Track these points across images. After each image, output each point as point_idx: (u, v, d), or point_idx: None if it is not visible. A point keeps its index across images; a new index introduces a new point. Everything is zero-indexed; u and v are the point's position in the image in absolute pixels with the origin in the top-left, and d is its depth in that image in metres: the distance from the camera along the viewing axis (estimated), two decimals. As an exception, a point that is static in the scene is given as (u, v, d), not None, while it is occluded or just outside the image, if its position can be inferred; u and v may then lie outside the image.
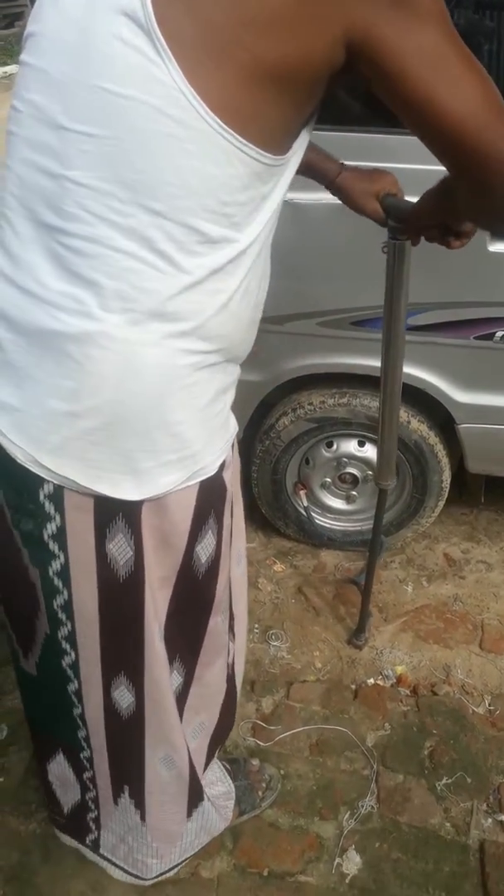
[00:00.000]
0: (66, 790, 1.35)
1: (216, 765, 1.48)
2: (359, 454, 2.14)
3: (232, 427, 1.06)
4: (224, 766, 1.54)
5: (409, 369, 1.90)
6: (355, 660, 1.98)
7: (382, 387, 1.54)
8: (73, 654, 1.10)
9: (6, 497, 1.00)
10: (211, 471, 1.01)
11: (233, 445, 1.08)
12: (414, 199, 1.17)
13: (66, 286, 0.86)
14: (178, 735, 1.21)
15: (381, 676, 1.93)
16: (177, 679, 1.21)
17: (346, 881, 1.50)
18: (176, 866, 1.42)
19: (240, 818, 1.56)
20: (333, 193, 1.34)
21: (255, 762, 1.67)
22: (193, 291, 0.87)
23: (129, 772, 1.25)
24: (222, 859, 1.53)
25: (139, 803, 1.29)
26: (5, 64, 11.43)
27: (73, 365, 0.88)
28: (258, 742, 1.76)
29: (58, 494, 0.94)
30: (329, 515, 2.31)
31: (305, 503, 2.23)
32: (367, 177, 1.30)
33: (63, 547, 0.99)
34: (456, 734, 1.77)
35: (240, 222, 0.87)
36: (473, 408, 1.95)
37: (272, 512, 2.29)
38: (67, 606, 1.05)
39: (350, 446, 2.15)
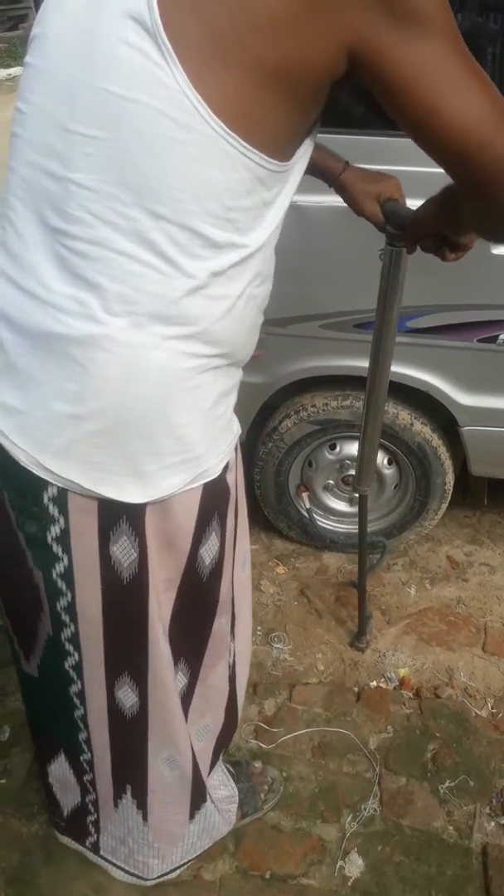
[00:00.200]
0: (66, 792, 1.35)
1: (220, 768, 1.48)
2: (362, 456, 2.14)
3: (235, 429, 1.06)
4: (228, 769, 1.53)
5: (412, 372, 1.91)
6: (358, 662, 1.98)
7: (367, 393, 1.54)
8: (76, 656, 1.10)
9: (10, 499, 1.00)
10: (214, 473, 1.01)
11: (236, 447, 1.09)
12: (416, 204, 1.17)
13: (70, 289, 0.86)
14: (182, 736, 1.21)
15: (383, 679, 1.93)
16: (181, 680, 1.21)
17: (349, 884, 1.50)
18: (177, 868, 1.42)
19: (242, 821, 1.56)
20: (336, 192, 1.33)
21: (258, 764, 1.67)
22: (197, 295, 0.87)
23: (131, 772, 1.25)
24: (224, 862, 1.53)
25: (141, 804, 1.29)
26: (9, 66, 11.46)
27: (77, 368, 0.88)
28: (261, 744, 1.75)
29: (62, 497, 0.94)
30: (332, 517, 2.31)
31: (308, 505, 2.23)
32: (370, 178, 1.30)
33: (67, 549, 0.99)
34: (459, 737, 1.77)
35: (243, 227, 0.87)
36: (476, 410, 1.95)
37: (275, 514, 2.29)
38: (71, 608, 1.05)
39: (353, 449, 2.14)
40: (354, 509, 2.28)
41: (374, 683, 1.91)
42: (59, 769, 1.32)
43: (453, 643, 2.03)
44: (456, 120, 0.76)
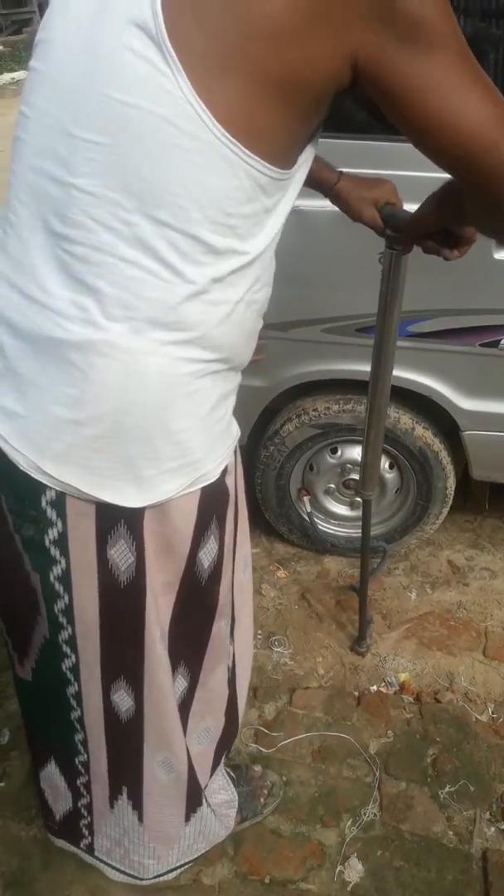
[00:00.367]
0: (58, 797, 1.35)
1: (221, 773, 1.47)
2: (363, 460, 2.14)
3: (234, 433, 1.07)
4: (228, 773, 1.53)
5: (414, 376, 1.91)
6: (358, 666, 1.98)
7: (369, 397, 1.55)
8: (73, 657, 1.10)
9: (8, 503, 1.00)
10: (213, 477, 1.01)
11: (235, 451, 1.09)
12: (414, 208, 1.17)
13: (71, 293, 0.86)
14: (177, 739, 1.21)
15: (384, 683, 1.92)
16: (181, 684, 1.21)
17: (348, 889, 1.49)
18: (174, 870, 1.41)
19: (241, 825, 1.55)
20: (332, 201, 1.34)
21: (258, 768, 1.67)
22: (197, 301, 0.87)
23: (127, 774, 1.25)
24: (224, 866, 1.52)
25: (137, 804, 1.28)
26: (13, 70, 11.51)
27: (77, 373, 0.88)
28: (260, 748, 1.75)
29: (60, 501, 0.95)
30: (333, 521, 2.31)
31: (309, 509, 2.23)
32: (365, 185, 1.30)
33: (64, 552, 0.99)
34: (459, 742, 1.76)
35: (244, 234, 0.87)
36: (478, 415, 1.95)
37: (276, 518, 2.29)
38: (68, 610, 1.05)
39: (354, 452, 2.15)
40: (355, 513, 2.28)
41: (374, 688, 1.91)
42: (50, 774, 1.32)
43: (454, 648, 2.03)
44: (461, 127, 0.77)
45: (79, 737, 1.21)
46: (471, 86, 0.77)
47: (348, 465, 2.17)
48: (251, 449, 2.16)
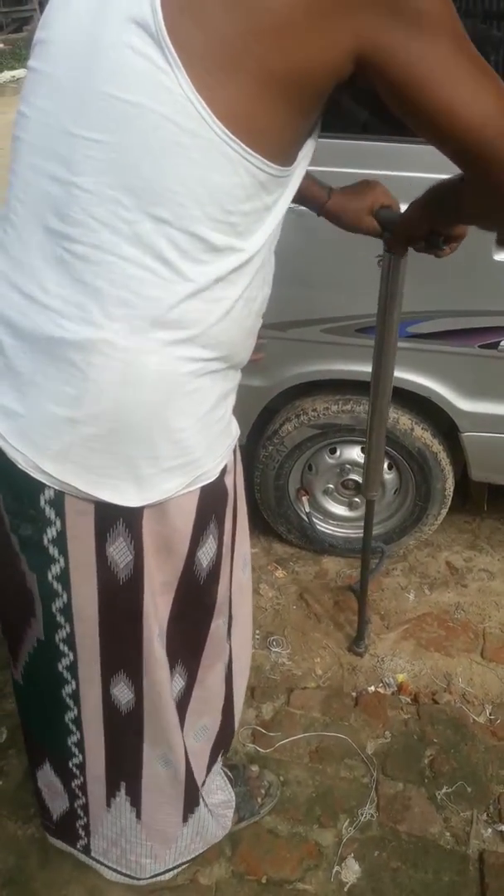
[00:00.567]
0: (55, 798, 1.35)
1: (218, 773, 1.47)
2: (362, 461, 2.14)
3: (233, 432, 1.06)
4: (226, 773, 1.53)
5: (413, 377, 1.91)
6: (356, 667, 1.98)
7: (371, 398, 1.55)
8: (70, 656, 1.10)
9: (5, 502, 1.00)
10: (212, 476, 1.01)
11: (234, 450, 1.09)
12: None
13: (70, 293, 0.86)
14: (175, 736, 1.21)
15: (381, 684, 1.92)
16: (179, 682, 1.21)
17: (345, 890, 1.49)
18: (170, 870, 1.41)
19: (238, 825, 1.55)
20: (327, 219, 1.32)
21: (255, 768, 1.67)
22: (196, 299, 0.87)
23: (126, 768, 1.25)
24: (221, 866, 1.52)
25: (135, 801, 1.28)
26: (13, 68, 11.50)
27: (76, 372, 0.88)
28: (258, 748, 1.75)
29: (58, 500, 0.95)
30: (331, 522, 2.31)
31: (308, 509, 2.23)
32: (356, 195, 1.28)
33: (63, 551, 0.99)
34: (456, 743, 1.77)
35: (243, 231, 0.87)
36: (477, 416, 1.95)
37: (274, 518, 2.29)
38: (67, 609, 1.05)
39: (353, 453, 2.15)
40: (354, 514, 2.28)
41: (372, 688, 1.91)
42: (46, 775, 1.32)
43: (452, 649, 2.03)
44: (471, 115, 0.77)
45: (73, 739, 1.21)
46: (475, 72, 0.78)
47: (347, 466, 2.17)
48: (250, 449, 2.16)
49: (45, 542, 0.98)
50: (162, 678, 1.13)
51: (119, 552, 0.99)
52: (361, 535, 2.27)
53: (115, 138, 0.81)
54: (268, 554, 2.37)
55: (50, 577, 1.02)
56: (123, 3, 0.79)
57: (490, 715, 1.84)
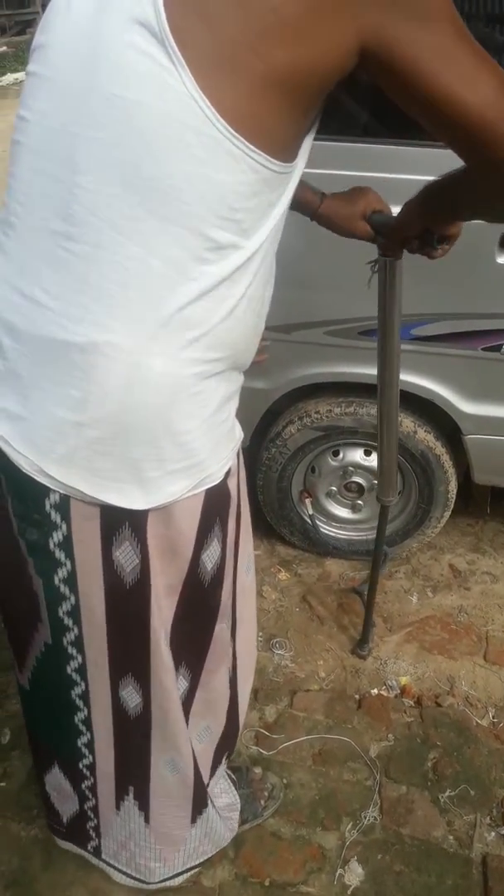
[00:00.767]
0: (64, 801, 1.35)
1: (223, 776, 1.47)
2: (365, 463, 2.14)
3: (237, 434, 1.07)
4: (230, 776, 1.53)
5: (416, 379, 1.91)
6: (359, 670, 1.98)
7: (379, 403, 1.55)
8: (79, 658, 1.10)
9: (13, 506, 1.00)
10: (217, 479, 1.01)
11: (238, 452, 1.09)
12: None
13: (73, 294, 0.86)
14: (183, 741, 1.21)
15: (384, 687, 1.92)
16: (182, 685, 1.21)
17: (348, 893, 1.49)
18: (180, 874, 1.41)
19: (242, 827, 1.55)
20: (320, 224, 1.32)
21: (258, 771, 1.67)
22: (201, 299, 0.87)
23: (134, 772, 1.25)
24: (224, 868, 1.52)
25: (143, 805, 1.28)
26: (16, 70, 11.51)
27: (80, 374, 0.88)
28: (261, 751, 1.75)
29: (64, 504, 0.95)
30: (334, 524, 2.31)
31: (311, 511, 2.23)
32: (348, 200, 1.29)
33: (70, 555, 0.99)
34: (460, 746, 1.76)
35: (248, 228, 0.88)
36: (480, 419, 1.95)
37: (277, 520, 2.29)
38: (74, 612, 1.05)
39: (356, 455, 2.15)
40: (357, 516, 2.28)
41: (375, 691, 1.91)
42: (55, 778, 1.32)
43: (455, 652, 2.03)
44: (472, 99, 0.77)
45: (83, 740, 1.21)
46: (474, 59, 0.79)
47: (350, 468, 2.17)
48: (253, 451, 2.16)
49: (52, 546, 0.99)
50: (169, 682, 1.13)
51: (125, 556, 0.99)
52: (364, 537, 2.29)
53: (117, 136, 0.81)
54: (271, 556, 2.37)
55: (56, 581, 1.02)
56: (126, 3, 0.79)
57: (493, 718, 1.84)
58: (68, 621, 1.06)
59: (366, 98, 1.63)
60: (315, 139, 0.93)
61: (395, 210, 1.24)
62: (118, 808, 1.30)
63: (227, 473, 1.04)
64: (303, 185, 1.26)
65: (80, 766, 1.26)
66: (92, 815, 1.34)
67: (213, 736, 1.36)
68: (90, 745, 1.22)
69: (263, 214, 0.89)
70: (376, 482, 2.14)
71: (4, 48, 12.25)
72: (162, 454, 0.93)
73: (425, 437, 2.01)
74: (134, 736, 1.19)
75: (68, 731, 1.21)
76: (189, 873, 1.44)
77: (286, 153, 0.87)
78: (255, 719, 1.82)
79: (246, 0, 0.77)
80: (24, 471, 0.93)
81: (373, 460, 2.13)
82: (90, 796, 1.31)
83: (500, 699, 1.89)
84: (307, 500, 2.22)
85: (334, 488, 2.24)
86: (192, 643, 1.18)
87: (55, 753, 1.29)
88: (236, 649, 1.30)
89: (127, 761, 1.24)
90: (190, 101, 0.78)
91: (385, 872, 1.52)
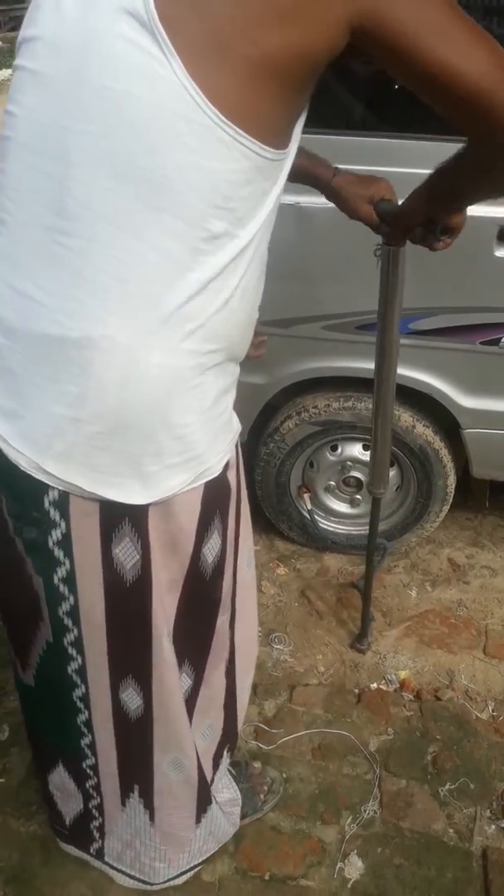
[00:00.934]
0: (68, 800, 1.34)
1: (224, 771, 1.47)
2: (363, 458, 2.14)
3: (235, 427, 1.06)
4: (229, 771, 1.53)
5: (414, 374, 1.91)
6: (358, 664, 1.98)
7: (375, 394, 1.54)
8: (79, 659, 1.10)
9: (8, 506, 0.99)
10: (216, 471, 1.01)
11: (236, 445, 1.08)
12: None
13: (68, 289, 0.86)
14: (187, 739, 1.21)
15: (384, 681, 1.92)
16: (186, 682, 1.20)
17: (348, 886, 1.49)
18: (184, 873, 1.41)
19: (241, 821, 1.55)
20: (328, 197, 1.33)
21: (257, 765, 1.67)
22: (195, 290, 0.87)
23: (137, 773, 1.25)
24: (224, 862, 1.52)
25: (148, 803, 1.28)
26: (10, 66, 11.46)
27: (76, 370, 0.87)
28: (260, 745, 1.75)
29: (63, 501, 0.94)
30: (333, 519, 2.31)
31: (309, 506, 2.23)
32: (361, 181, 1.30)
33: (69, 553, 0.99)
34: (459, 740, 1.77)
35: (242, 217, 0.87)
36: (479, 413, 1.95)
37: (276, 515, 2.29)
38: (73, 612, 1.04)
39: (354, 450, 2.14)
40: (355, 510, 2.28)
41: (374, 685, 1.91)
42: (59, 777, 1.31)
43: (454, 646, 2.03)
44: (467, 69, 0.78)
45: (86, 741, 1.21)
46: (466, 31, 0.79)
47: (348, 463, 2.17)
48: (251, 446, 2.16)
49: (51, 544, 0.98)
50: (172, 680, 1.13)
51: (125, 553, 0.99)
52: (363, 531, 2.28)
53: (109, 129, 0.81)
54: (269, 551, 2.37)
55: (56, 580, 1.01)
56: None
57: (493, 711, 1.84)
58: (68, 621, 1.05)
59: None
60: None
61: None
62: (124, 804, 1.30)
63: (226, 466, 1.04)
64: (314, 158, 1.28)
65: (84, 765, 1.25)
66: (97, 814, 1.34)
67: (216, 732, 1.36)
68: (92, 747, 1.22)
69: (257, 203, 0.88)
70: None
71: (0, 43, 12.20)
72: (161, 448, 0.93)
73: (424, 432, 2.01)
74: (135, 739, 1.19)
75: (71, 731, 1.20)
76: (192, 872, 1.44)
77: (278, 140, 0.86)
78: (255, 714, 1.83)
79: None
80: (21, 468, 0.93)
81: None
82: (94, 794, 1.30)
83: (500, 692, 1.89)
84: (306, 495, 2.22)
85: (333, 483, 2.24)
86: (195, 639, 1.18)
87: (59, 752, 1.28)
88: (235, 643, 1.30)
89: (130, 763, 1.23)
90: (180, 90, 0.78)
91: (385, 866, 1.52)
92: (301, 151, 0.99)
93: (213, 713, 1.32)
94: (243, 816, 1.55)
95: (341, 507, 2.29)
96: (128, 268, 0.84)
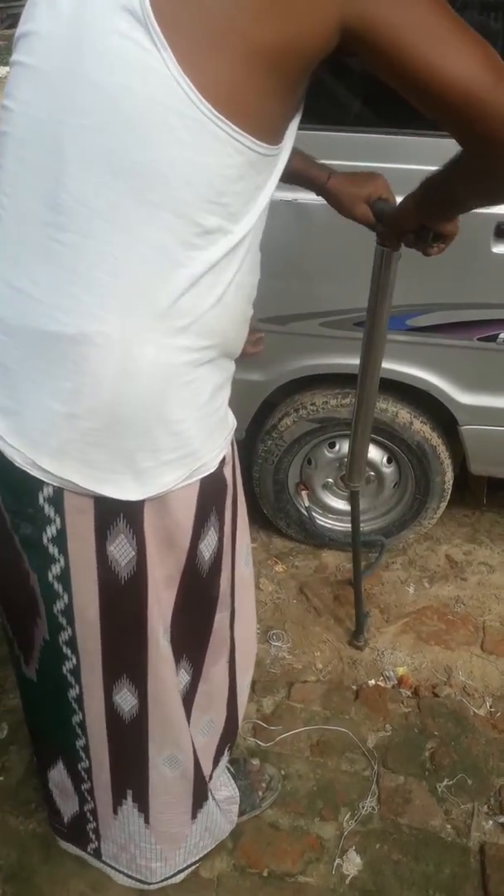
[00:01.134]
0: (66, 799, 1.34)
1: (223, 769, 1.47)
2: (361, 455, 2.14)
3: (231, 423, 1.06)
4: (228, 768, 1.53)
5: (412, 370, 1.91)
6: (356, 661, 1.98)
7: (358, 389, 1.54)
8: (74, 659, 1.10)
9: (5, 501, 1.00)
10: (211, 467, 1.01)
11: (232, 441, 1.08)
12: None
13: (63, 284, 0.86)
14: (183, 735, 1.21)
15: (382, 677, 1.93)
16: (184, 678, 1.20)
17: (347, 882, 1.50)
18: (181, 871, 1.41)
19: (240, 818, 1.55)
20: (324, 199, 1.32)
21: (256, 762, 1.67)
22: (190, 286, 0.87)
23: (131, 776, 1.25)
24: (222, 859, 1.52)
25: (143, 808, 1.28)
26: (5, 64, 11.42)
27: (71, 366, 0.87)
28: (259, 742, 1.75)
29: (57, 497, 0.94)
30: (331, 516, 2.31)
31: (307, 503, 2.23)
32: (357, 181, 1.29)
33: (63, 550, 0.99)
34: (457, 736, 1.77)
35: (236, 213, 0.87)
36: (476, 409, 1.95)
37: (274, 512, 2.29)
38: (68, 611, 1.04)
39: (352, 447, 2.14)
40: (353, 507, 2.28)
41: (372, 682, 1.91)
42: (59, 775, 1.31)
43: (452, 642, 2.03)
44: (459, 74, 0.77)
45: (80, 742, 1.21)
46: (459, 34, 0.78)
47: (346, 460, 2.17)
48: (249, 443, 2.15)
49: (45, 540, 0.98)
50: (168, 676, 1.12)
51: (120, 550, 0.99)
52: (362, 528, 2.28)
53: (103, 123, 0.81)
54: (267, 548, 2.37)
55: (50, 578, 1.01)
56: None
57: (490, 707, 1.84)
58: (62, 620, 1.05)
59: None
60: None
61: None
62: (116, 812, 1.30)
63: (222, 462, 1.04)
64: (309, 161, 1.27)
65: (79, 767, 1.26)
66: (91, 818, 1.34)
67: (216, 729, 1.36)
68: (86, 750, 1.22)
69: (251, 199, 0.88)
70: (373, 474, 2.15)
71: (-3, 41, 12.16)
72: (156, 444, 0.93)
73: (421, 428, 2.01)
74: (130, 740, 1.19)
75: (67, 731, 1.20)
76: (189, 870, 1.44)
77: (271, 135, 0.86)
78: (253, 711, 1.83)
79: None
80: (17, 464, 0.93)
81: (370, 452, 2.12)
82: (89, 799, 1.30)
83: (497, 689, 1.89)
84: (303, 492, 2.22)
85: (330, 480, 2.24)
86: (193, 635, 1.18)
87: (59, 749, 1.28)
88: (235, 640, 1.30)
89: (123, 766, 1.23)
90: (173, 84, 0.78)
91: (383, 862, 1.53)
92: (296, 154, 0.99)
93: (214, 710, 1.32)
94: (241, 813, 1.55)
95: (339, 504, 2.29)
96: (122, 263, 0.84)
